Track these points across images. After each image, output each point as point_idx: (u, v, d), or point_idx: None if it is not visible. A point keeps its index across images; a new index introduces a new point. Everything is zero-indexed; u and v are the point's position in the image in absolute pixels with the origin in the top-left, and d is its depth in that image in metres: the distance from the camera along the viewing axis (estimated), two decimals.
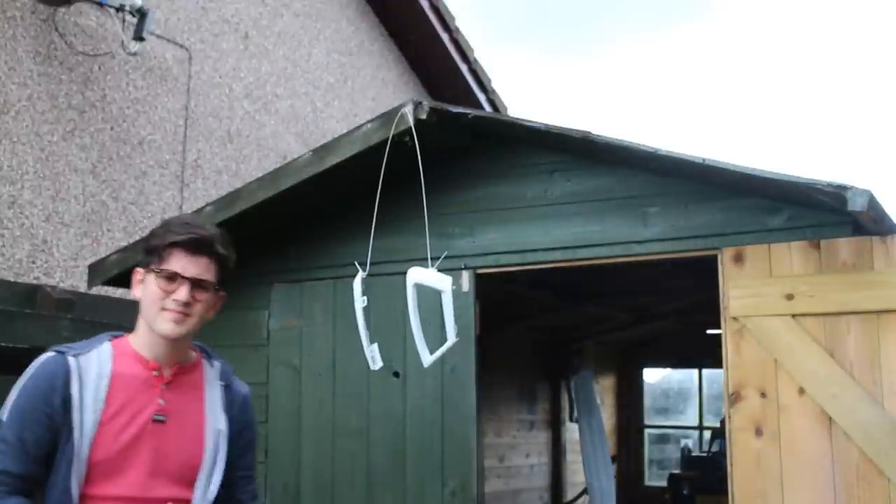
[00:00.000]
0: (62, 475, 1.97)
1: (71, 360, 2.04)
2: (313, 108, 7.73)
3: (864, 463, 2.96)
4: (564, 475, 8.26)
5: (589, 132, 3.38)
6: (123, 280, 4.35)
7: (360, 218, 3.73)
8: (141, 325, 2.12)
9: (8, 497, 1.96)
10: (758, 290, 3.18)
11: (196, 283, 2.07)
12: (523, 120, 3.62)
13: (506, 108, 9.01)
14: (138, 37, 5.71)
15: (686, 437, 10.71)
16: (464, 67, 8.38)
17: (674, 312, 7.43)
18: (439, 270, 3.32)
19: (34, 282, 5.13)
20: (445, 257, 3.48)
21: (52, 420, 1.98)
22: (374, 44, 8.49)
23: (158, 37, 6.17)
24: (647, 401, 10.29)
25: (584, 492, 7.99)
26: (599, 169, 3.61)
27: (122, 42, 5.78)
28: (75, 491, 1.96)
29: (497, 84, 8.78)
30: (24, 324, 4.49)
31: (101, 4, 5.65)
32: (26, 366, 2.06)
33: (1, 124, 5.18)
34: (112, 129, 5.88)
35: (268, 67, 7.26)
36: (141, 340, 2.11)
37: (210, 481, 2.10)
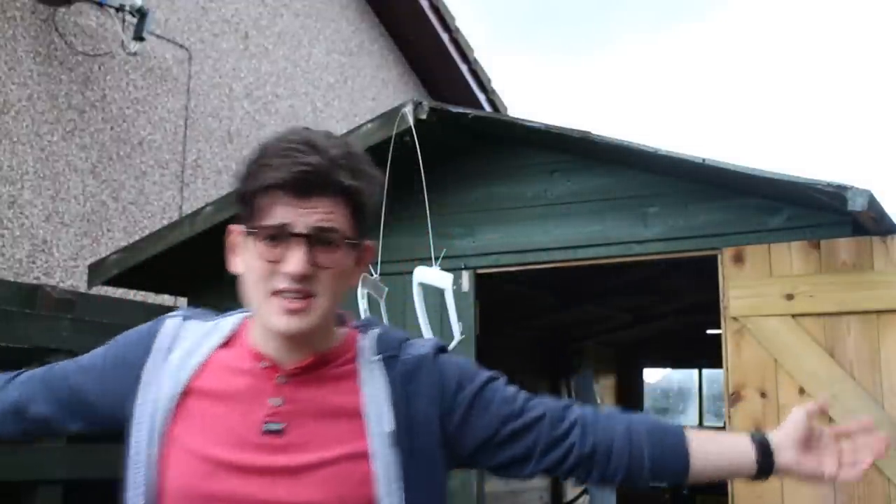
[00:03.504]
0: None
1: (173, 320, 1.44)
2: (313, 108, 7.73)
3: None
4: None
5: (589, 132, 3.38)
6: (123, 280, 4.35)
7: None
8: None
9: None
10: (758, 290, 3.18)
11: (317, 239, 1.28)
12: (523, 120, 3.62)
13: (506, 109, 9.01)
14: (138, 37, 5.72)
15: None
16: (464, 67, 8.38)
17: (673, 312, 7.43)
18: (441, 269, 3.32)
19: (34, 282, 5.13)
20: (446, 257, 3.49)
21: (111, 376, 1.43)
22: (374, 44, 8.49)
23: (158, 37, 6.17)
24: (647, 401, 10.30)
25: (585, 492, 7.99)
26: (599, 169, 3.61)
27: (122, 42, 5.78)
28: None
29: (497, 84, 8.79)
30: (24, 324, 4.49)
31: (101, 4, 5.65)
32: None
33: (1, 124, 5.18)
34: (112, 129, 5.89)
35: (268, 67, 7.26)
36: (255, 327, 1.38)
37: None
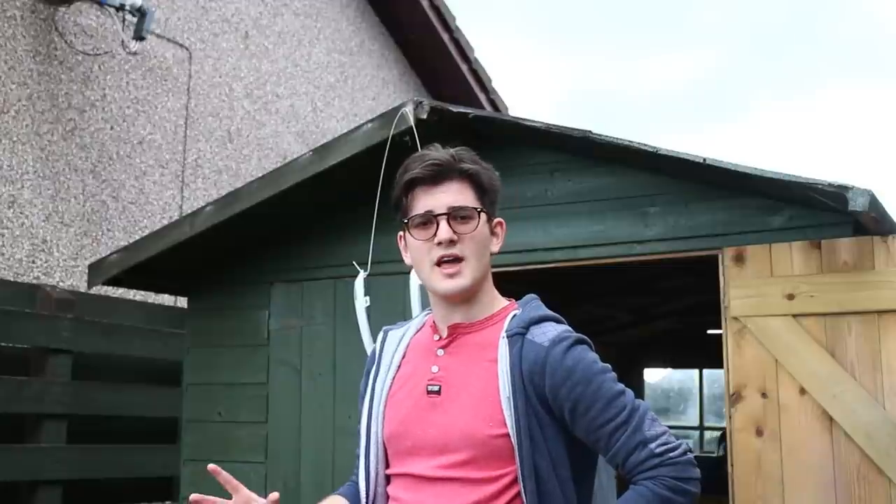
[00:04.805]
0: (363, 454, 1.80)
1: (381, 335, 1.89)
2: (313, 108, 7.72)
3: (865, 463, 2.95)
4: None
5: (589, 131, 3.38)
6: (123, 280, 4.35)
7: (360, 217, 3.73)
8: None
9: (347, 485, 1.89)
10: (759, 290, 3.17)
11: (454, 216, 1.71)
12: (524, 119, 3.61)
13: (506, 108, 9.01)
14: (138, 36, 5.72)
15: (686, 437, 10.70)
16: (464, 67, 8.38)
17: (674, 312, 7.42)
18: None
19: (34, 282, 5.13)
20: None
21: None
22: (374, 43, 8.48)
23: (158, 36, 6.17)
24: (648, 401, 10.28)
25: None
26: (600, 169, 3.61)
27: (122, 41, 5.78)
28: (373, 469, 1.77)
29: (496, 82, 8.78)
30: (24, 324, 4.49)
31: (101, 4, 5.65)
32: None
33: (1, 124, 5.17)
34: (112, 128, 5.88)
35: (268, 67, 7.26)
36: (433, 305, 1.82)
37: (524, 465, 1.64)
